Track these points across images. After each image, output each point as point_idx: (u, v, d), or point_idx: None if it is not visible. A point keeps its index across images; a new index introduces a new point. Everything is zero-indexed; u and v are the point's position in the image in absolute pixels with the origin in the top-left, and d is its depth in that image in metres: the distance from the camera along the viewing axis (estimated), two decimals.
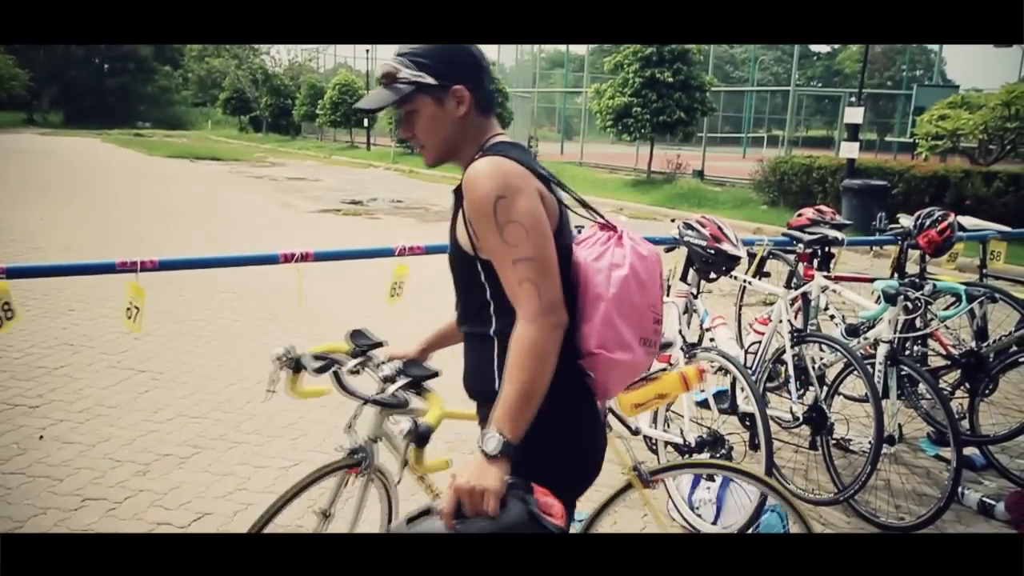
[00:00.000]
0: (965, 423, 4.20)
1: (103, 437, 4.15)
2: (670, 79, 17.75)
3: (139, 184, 17.78)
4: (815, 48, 54.74)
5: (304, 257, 2.65)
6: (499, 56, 30.63)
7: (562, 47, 30.14)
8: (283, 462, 3.98)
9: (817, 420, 3.80)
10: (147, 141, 35.66)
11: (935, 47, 28.78)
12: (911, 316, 4.09)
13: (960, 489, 3.84)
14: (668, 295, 3.70)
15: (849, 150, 13.38)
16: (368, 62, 36.05)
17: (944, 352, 4.31)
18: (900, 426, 3.92)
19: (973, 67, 68.97)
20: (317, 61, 45.28)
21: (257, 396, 4.82)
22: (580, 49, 29.79)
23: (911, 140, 17.17)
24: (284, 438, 4.26)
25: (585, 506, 3.53)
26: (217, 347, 5.77)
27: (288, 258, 2.62)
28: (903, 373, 3.80)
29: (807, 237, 4.01)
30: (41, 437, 4.13)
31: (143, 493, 3.59)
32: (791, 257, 4.36)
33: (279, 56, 46.78)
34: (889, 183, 12.62)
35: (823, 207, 4.32)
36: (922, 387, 3.94)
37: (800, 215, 4.27)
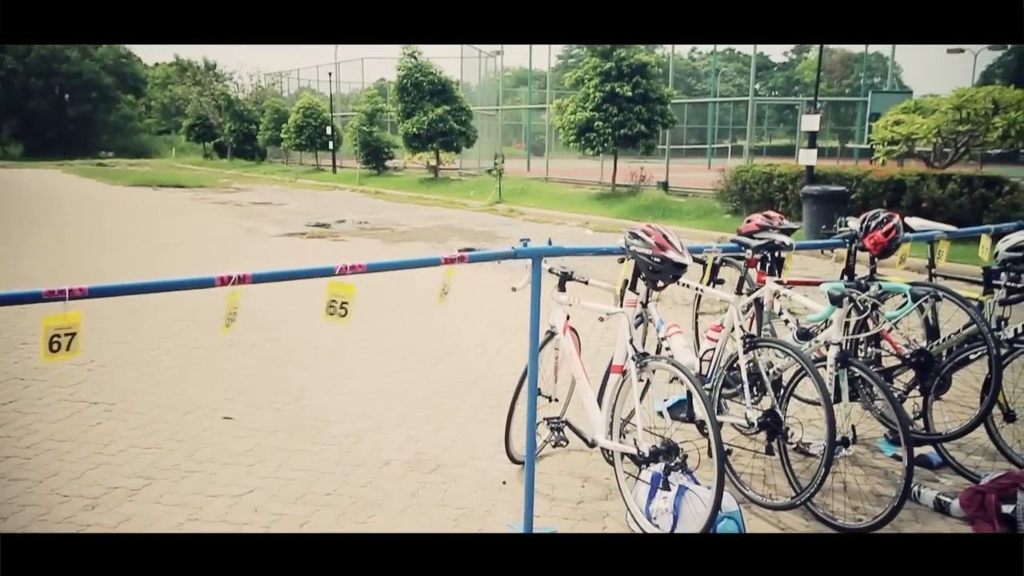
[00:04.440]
0: (922, 422, 4.24)
1: (52, 472, 4.05)
2: (629, 93, 17.91)
3: (100, 214, 17.55)
4: (774, 59, 55.65)
5: (241, 279, 2.60)
6: (463, 75, 30.71)
7: (526, 64, 30.30)
8: (238, 489, 3.90)
9: (772, 425, 3.81)
10: (109, 171, 35.28)
11: (888, 54, 29.32)
12: (862, 317, 4.12)
13: (916, 488, 3.87)
14: (620, 305, 3.70)
15: (808, 157, 13.58)
16: (332, 85, 35.97)
17: (895, 352, 4.35)
18: (854, 427, 3.94)
19: (927, 73, 70.43)
20: (280, 85, 45.12)
21: (212, 424, 4.75)
22: (544, 65, 30.01)
23: (869, 146, 17.45)
24: (239, 465, 4.19)
25: (578, 510, 3.52)
26: (173, 375, 5.68)
27: (224, 281, 2.57)
28: (856, 375, 3.82)
29: (755, 243, 4.03)
30: None
31: (89, 528, 3.50)
32: (742, 263, 4.39)
33: (242, 82, 46.66)
34: (848, 188, 12.80)
35: (771, 212, 4.35)
36: (876, 388, 3.96)
37: (749, 221, 4.29)
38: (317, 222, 16.47)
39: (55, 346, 2.40)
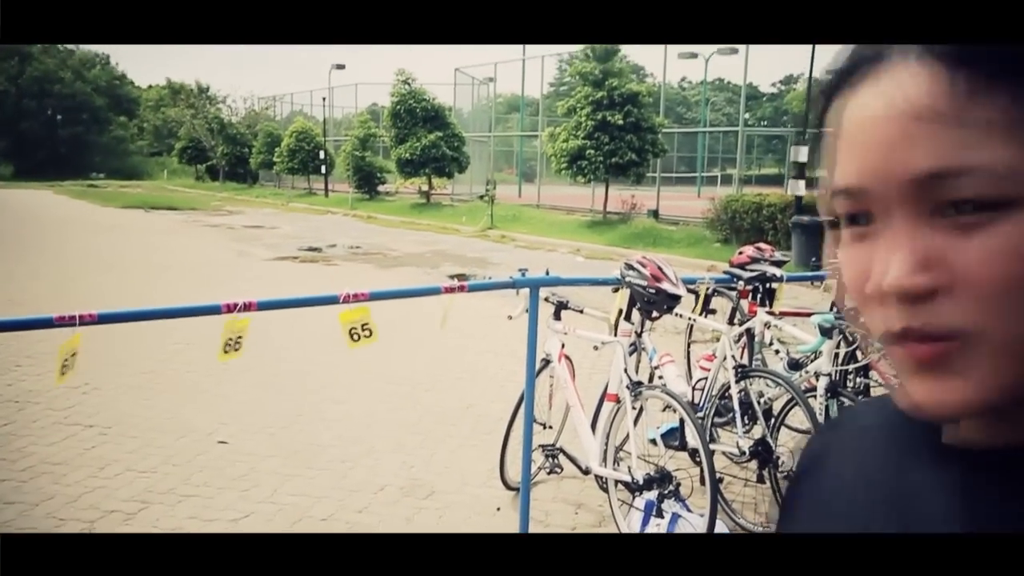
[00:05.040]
0: None
1: (47, 495, 4.06)
2: (621, 121, 18.12)
3: (92, 236, 17.55)
4: (763, 89, 56.36)
5: (247, 307, 2.65)
6: (455, 101, 30.97)
7: (518, 90, 30.62)
8: (233, 514, 3.92)
9: (763, 454, 3.87)
10: (101, 192, 35.28)
11: None
12: (851, 348, 4.20)
13: None
14: (615, 334, 3.77)
15: (797, 187, 13.76)
16: (325, 109, 36.20)
17: (884, 383, 4.42)
18: None
19: None
20: (273, 109, 45.37)
21: (207, 448, 4.77)
22: (536, 93, 30.33)
23: None
24: (234, 490, 4.21)
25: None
26: (168, 399, 5.70)
27: (231, 308, 2.62)
28: (845, 405, 3.89)
29: (747, 275, 4.12)
30: None
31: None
32: (733, 294, 4.47)
33: (235, 105, 46.87)
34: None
35: (763, 245, 4.44)
36: None
37: (741, 253, 4.39)
38: (309, 246, 16.52)
39: (65, 369, 2.46)
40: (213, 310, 2.63)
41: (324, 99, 35.84)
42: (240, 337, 2.65)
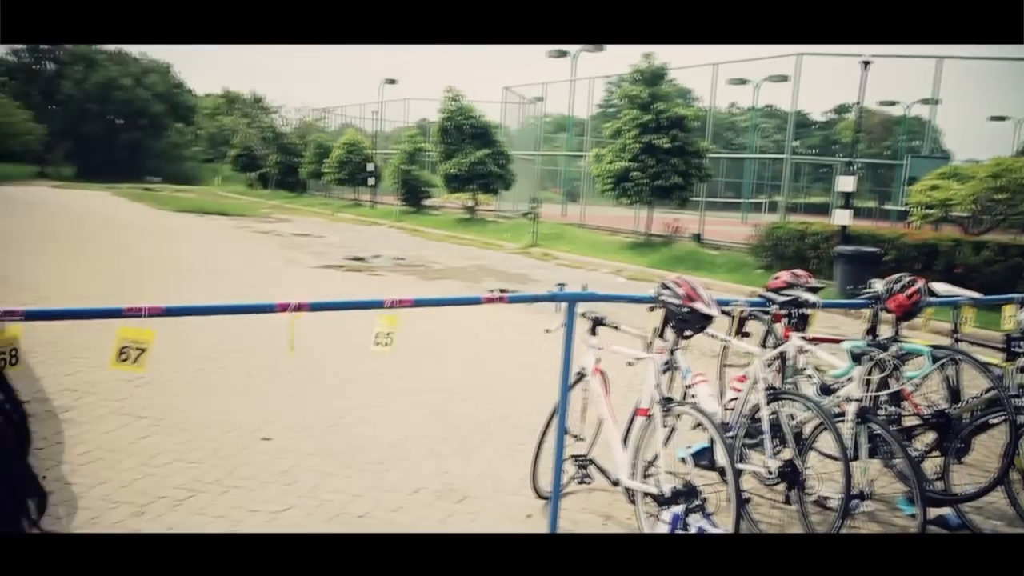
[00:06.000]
0: (942, 483, 4.32)
1: (102, 479, 4.29)
2: (667, 145, 18.20)
3: (147, 237, 18.12)
4: (813, 117, 55.80)
5: (299, 307, 2.83)
6: (504, 119, 31.35)
7: (566, 110, 30.86)
8: (275, 506, 4.10)
9: (791, 476, 3.94)
10: (156, 195, 36.28)
11: (928, 117, 29.42)
12: (883, 376, 4.25)
13: None
14: (648, 350, 3.88)
15: (842, 217, 13.69)
16: (375, 123, 36.84)
17: (916, 412, 4.46)
18: (872, 482, 4.05)
19: (967, 138, 69.93)
20: (325, 121, 46.29)
21: (252, 444, 4.97)
22: (583, 113, 30.51)
23: (906, 208, 17.52)
24: (277, 483, 4.39)
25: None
26: (216, 396, 5.93)
27: (284, 307, 2.80)
28: (875, 432, 3.94)
29: (781, 299, 4.20)
30: (44, 477, 4.25)
31: (138, 532, 3.72)
32: (767, 318, 4.55)
33: (288, 115, 47.90)
34: (881, 250, 12.88)
35: (799, 271, 4.52)
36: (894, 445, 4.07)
37: (777, 278, 4.47)
38: (355, 256, 16.85)
39: (123, 356, 2.65)
40: (267, 308, 2.82)
41: (375, 112, 36.51)
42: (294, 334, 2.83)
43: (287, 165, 42.80)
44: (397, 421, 5.61)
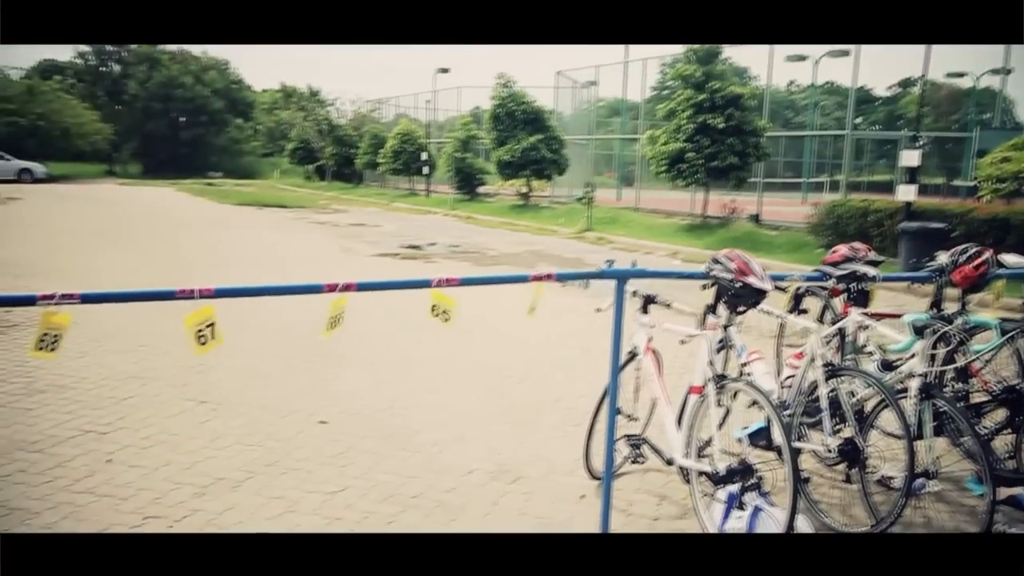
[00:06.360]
0: (1014, 462, 4.15)
1: (165, 461, 4.41)
2: (722, 124, 17.85)
3: (207, 230, 18.57)
4: (877, 92, 54.12)
5: (347, 287, 2.85)
6: (556, 103, 31.16)
7: (620, 94, 30.51)
8: (331, 487, 4.16)
9: (852, 455, 3.83)
10: (218, 190, 37.15)
11: (999, 88, 28.27)
12: (948, 350, 4.09)
13: (1001, 528, 3.80)
14: (702, 327, 3.80)
15: (906, 193, 13.25)
16: (428, 112, 37.03)
17: (985, 388, 4.28)
18: (938, 461, 3.90)
19: None
20: (379, 112, 46.71)
21: (309, 427, 5.05)
22: (637, 96, 30.13)
23: (975, 183, 16.88)
24: (333, 466, 4.45)
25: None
26: (274, 381, 6.04)
27: (332, 288, 2.82)
28: (941, 409, 3.80)
29: (839, 272, 4.07)
30: (109, 460, 4.41)
31: (199, 513, 3.81)
32: (825, 293, 4.42)
33: (343, 107, 48.48)
34: (949, 225, 12.42)
35: (858, 244, 4.37)
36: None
37: (835, 251, 4.33)
38: (410, 244, 16.99)
39: (202, 339, 2.71)
40: (316, 289, 2.84)
41: (428, 102, 36.68)
42: (340, 315, 2.84)
43: (343, 157, 43.35)
44: (452, 403, 5.64)
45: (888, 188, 27.19)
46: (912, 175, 13.35)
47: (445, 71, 35.90)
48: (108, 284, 10.21)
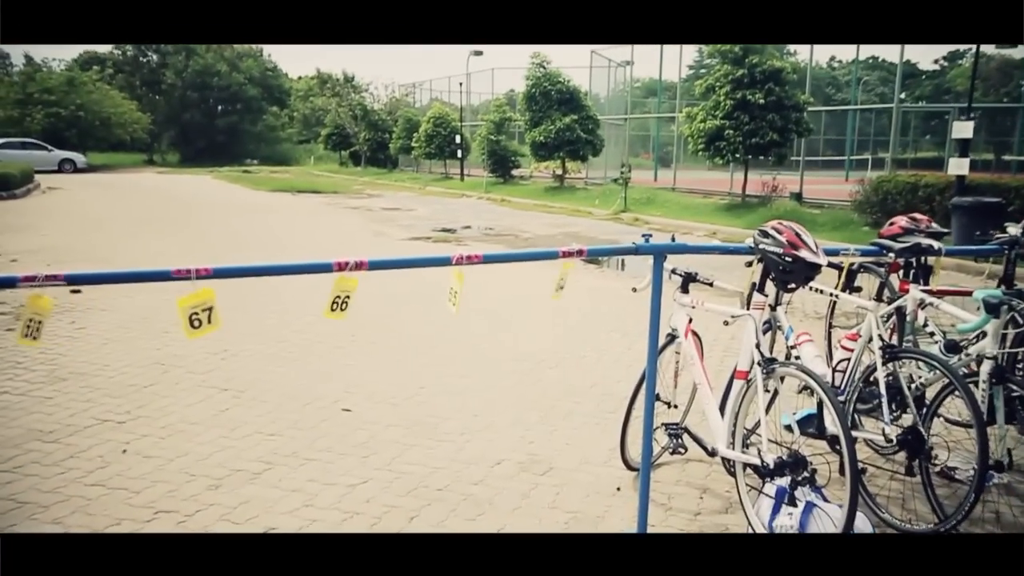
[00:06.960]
0: None
1: (182, 452, 4.23)
2: (762, 100, 17.28)
3: (243, 216, 18.54)
4: (922, 66, 52.60)
5: (358, 266, 2.60)
6: (591, 85, 30.63)
7: (656, 74, 29.92)
8: (352, 479, 3.94)
9: (914, 444, 3.50)
10: (254, 177, 37.31)
11: None
12: (1022, 330, 3.73)
13: None
14: (747, 307, 3.50)
15: (958, 166, 12.66)
16: (462, 95, 36.73)
17: None
18: (1010, 452, 3.56)
19: None
20: (413, 96, 46.50)
21: (332, 415, 4.84)
22: (673, 76, 29.53)
23: None
24: (355, 456, 4.24)
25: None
26: (297, 368, 5.85)
27: (341, 266, 2.58)
28: (1014, 394, 3.46)
29: (899, 246, 3.72)
30: (124, 451, 4.24)
31: (213, 507, 3.62)
32: (882, 269, 4.07)
33: (377, 92, 48.34)
34: (1004, 200, 11.83)
35: (917, 215, 4.01)
36: None
37: (892, 224, 3.98)
38: (443, 227, 16.77)
39: (196, 323, 2.50)
40: (325, 268, 2.60)
41: (461, 84, 36.36)
42: (348, 296, 2.60)
43: (377, 142, 43.25)
44: (482, 390, 5.40)
45: (934, 165, 26.33)
46: (964, 147, 12.75)
47: (479, 54, 35.56)
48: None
